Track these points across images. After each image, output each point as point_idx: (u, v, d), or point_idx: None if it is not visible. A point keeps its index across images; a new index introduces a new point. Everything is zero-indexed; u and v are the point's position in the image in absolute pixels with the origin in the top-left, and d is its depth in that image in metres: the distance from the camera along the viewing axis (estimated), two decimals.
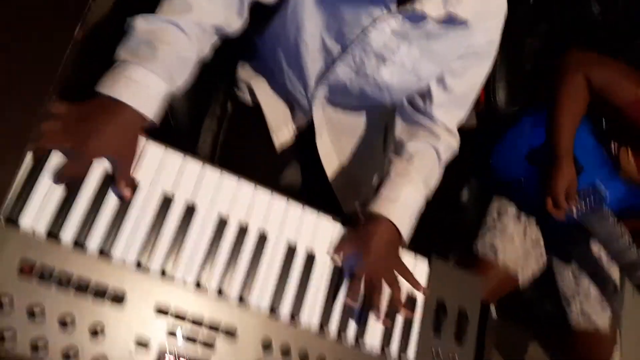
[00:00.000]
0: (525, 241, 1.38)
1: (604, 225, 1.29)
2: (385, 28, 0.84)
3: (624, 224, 1.28)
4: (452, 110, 0.97)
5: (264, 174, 1.07)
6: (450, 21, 0.83)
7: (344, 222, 0.89)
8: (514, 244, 1.37)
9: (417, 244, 1.02)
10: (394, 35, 0.85)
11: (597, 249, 1.44)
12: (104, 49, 0.78)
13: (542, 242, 1.40)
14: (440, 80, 0.93)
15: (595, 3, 1.71)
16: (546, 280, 1.50)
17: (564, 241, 1.42)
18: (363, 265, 0.83)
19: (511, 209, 1.40)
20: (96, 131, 0.68)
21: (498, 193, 1.45)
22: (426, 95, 0.95)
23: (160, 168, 0.76)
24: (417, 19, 0.82)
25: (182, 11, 0.75)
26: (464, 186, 1.52)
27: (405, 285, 0.87)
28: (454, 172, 1.56)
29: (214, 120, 1.09)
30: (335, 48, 0.89)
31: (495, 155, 1.43)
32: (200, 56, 0.80)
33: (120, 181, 0.70)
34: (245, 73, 1.08)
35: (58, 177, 0.67)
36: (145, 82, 0.71)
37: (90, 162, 0.70)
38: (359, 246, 0.84)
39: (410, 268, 0.90)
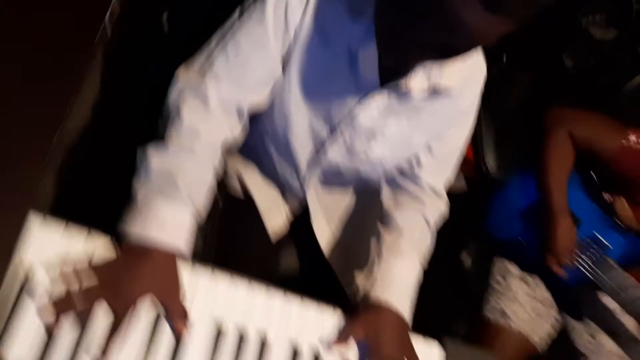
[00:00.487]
0: (535, 302, 1.34)
1: (610, 276, 1.26)
2: (372, 106, 0.84)
3: (630, 273, 1.25)
4: (439, 172, 0.97)
5: (261, 264, 1.05)
6: (436, 92, 0.84)
7: (345, 310, 0.85)
8: (523, 306, 1.32)
9: (424, 316, 0.98)
10: (382, 112, 0.85)
11: (608, 301, 1.40)
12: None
13: (552, 301, 1.36)
14: (427, 145, 0.93)
15: (569, 58, 1.76)
16: (563, 340, 1.45)
17: (574, 298, 1.38)
18: None
19: (514, 270, 1.37)
20: (135, 276, 0.68)
21: (498, 255, 1.43)
22: (413, 160, 0.95)
23: None
24: (402, 94, 0.83)
25: (192, 138, 0.75)
26: (463, 251, 1.49)
27: None
28: (451, 238, 1.54)
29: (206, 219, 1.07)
30: (323, 131, 0.89)
31: (490, 218, 1.41)
32: (218, 174, 0.81)
33: (174, 317, 0.69)
34: (233, 163, 1.07)
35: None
36: (174, 216, 0.71)
37: (134, 307, 0.67)
38: (366, 336, 0.80)
39: (423, 354, 0.85)
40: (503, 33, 0.61)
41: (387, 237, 0.92)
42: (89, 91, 0.96)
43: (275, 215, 1.07)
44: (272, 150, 0.97)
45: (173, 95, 0.79)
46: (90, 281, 0.66)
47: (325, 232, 1.07)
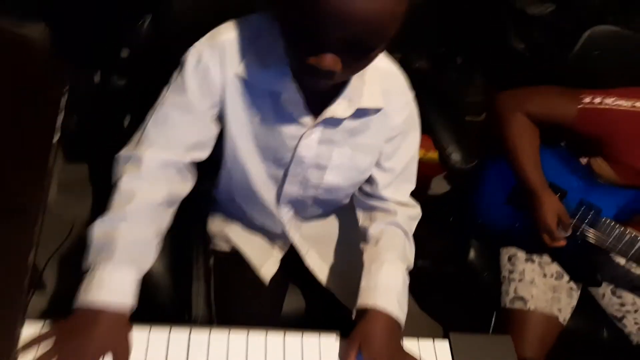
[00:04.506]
0: (547, 279, 1.33)
1: (612, 235, 1.25)
2: (310, 142, 0.89)
3: (630, 226, 1.25)
4: (398, 186, 1.01)
5: (264, 313, 1.08)
6: (366, 114, 0.89)
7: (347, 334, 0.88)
8: (538, 286, 1.32)
9: (447, 324, 0.99)
10: (322, 144, 0.90)
11: (620, 260, 1.39)
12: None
13: (565, 275, 1.35)
14: (379, 165, 0.97)
15: (517, 42, 1.82)
16: (592, 310, 1.43)
17: (587, 266, 1.37)
18: None
19: (519, 253, 1.37)
20: (88, 339, 0.71)
21: (501, 245, 1.43)
22: (371, 181, 0.99)
23: (148, 350, 0.77)
24: (334, 123, 0.88)
25: (127, 202, 0.80)
26: (470, 250, 1.49)
27: None
28: (455, 240, 1.56)
29: (200, 283, 1.11)
30: (278, 173, 0.94)
31: (480, 212, 1.42)
32: (160, 232, 0.85)
33: None
34: (215, 226, 1.12)
35: None
36: (114, 277, 0.75)
37: None
38: (360, 344, 0.83)
39: (432, 353, 0.87)
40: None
41: (367, 251, 0.96)
42: None
43: (266, 264, 1.10)
44: (244, 204, 1.02)
45: (113, 173, 0.84)
46: (47, 352, 0.70)
47: (318, 263, 1.11)
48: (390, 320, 0.86)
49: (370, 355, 0.82)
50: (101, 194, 0.85)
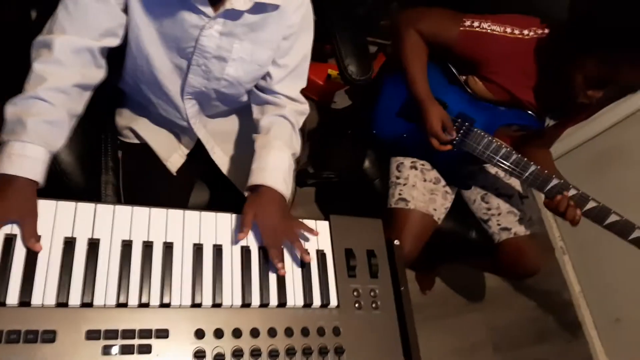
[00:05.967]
0: (427, 183, 1.53)
1: (481, 144, 1.44)
2: (212, 33, 0.97)
3: (496, 136, 1.45)
4: (290, 82, 1.12)
5: (171, 202, 1.18)
6: (264, 9, 0.97)
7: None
8: (418, 189, 1.51)
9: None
10: (223, 36, 0.98)
11: (491, 169, 1.61)
12: None
13: (442, 179, 1.55)
14: (274, 61, 1.08)
15: None
16: (463, 212, 1.65)
17: (461, 172, 1.58)
18: (265, 235, 0.95)
19: (406, 161, 1.55)
20: None
21: (392, 154, 1.60)
22: (266, 76, 1.10)
23: (56, 219, 0.85)
24: (234, 16, 0.96)
25: (39, 84, 0.86)
26: (365, 160, 1.65)
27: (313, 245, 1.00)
28: (354, 151, 1.71)
29: (109, 173, 1.18)
30: (182, 63, 1.02)
31: (374, 124, 1.57)
32: (73, 114, 0.91)
33: (28, 238, 0.80)
34: (123, 119, 1.18)
35: None
36: (24, 152, 0.82)
37: None
38: (254, 215, 0.95)
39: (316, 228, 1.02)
40: None
41: (258, 139, 1.07)
42: None
43: (172, 156, 1.19)
44: (151, 96, 1.09)
45: (31, 57, 0.89)
46: None
47: (221, 156, 1.21)
48: (277, 194, 0.99)
49: (264, 221, 0.95)
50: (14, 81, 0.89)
